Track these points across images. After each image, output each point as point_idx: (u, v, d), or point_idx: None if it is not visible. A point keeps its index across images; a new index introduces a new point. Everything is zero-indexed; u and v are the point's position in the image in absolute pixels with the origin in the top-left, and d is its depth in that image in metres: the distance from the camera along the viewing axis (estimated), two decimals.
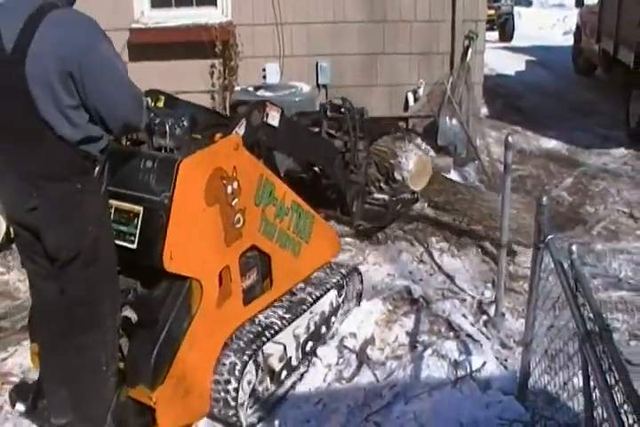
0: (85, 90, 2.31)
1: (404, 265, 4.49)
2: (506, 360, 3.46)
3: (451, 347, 3.44)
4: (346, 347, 3.51)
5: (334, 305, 3.68)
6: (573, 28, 12.04)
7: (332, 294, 3.64)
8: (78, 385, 2.63)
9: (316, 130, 4.14)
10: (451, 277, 4.33)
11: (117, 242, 2.65)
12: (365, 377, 3.31)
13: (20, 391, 2.98)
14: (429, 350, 3.42)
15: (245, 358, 2.92)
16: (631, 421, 1.95)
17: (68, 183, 2.41)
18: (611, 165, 6.76)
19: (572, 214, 5.40)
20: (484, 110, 7.99)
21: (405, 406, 3.03)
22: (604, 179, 6.31)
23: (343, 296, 3.79)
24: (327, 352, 3.47)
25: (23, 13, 2.26)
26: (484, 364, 3.29)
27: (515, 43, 14.80)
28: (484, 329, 3.74)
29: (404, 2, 7.14)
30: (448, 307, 3.90)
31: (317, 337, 3.55)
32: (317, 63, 6.47)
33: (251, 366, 3.00)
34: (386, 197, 4.54)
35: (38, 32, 2.24)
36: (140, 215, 2.65)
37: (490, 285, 4.22)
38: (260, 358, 3.11)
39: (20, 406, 2.90)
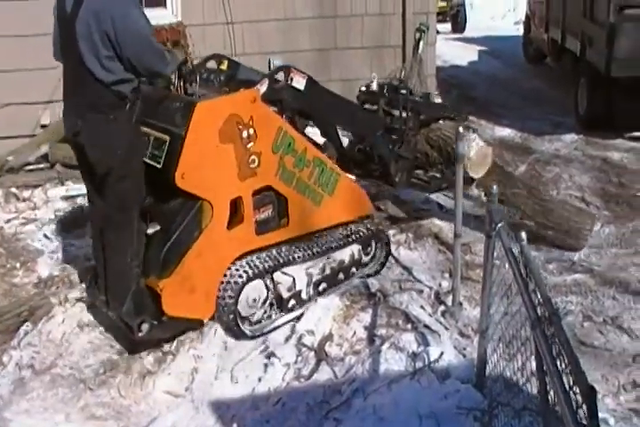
0: (119, 45, 3.06)
1: None
2: (464, 349, 3.49)
3: (409, 339, 3.46)
4: (304, 345, 3.50)
5: (356, 257, 4.08)
6: (523, 18, 12.19)
7: (355, 247, 4.06)
8: (111, 271, 3.42)
9: (374, 107, 4.53)
10: (408, 269, 4.34)
11: (150, 162, 3.34)
12: (324, 374, 3.30)
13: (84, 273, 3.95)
14: (387, 344, 3.43)
15: (249, 275, 3.50)
16: (581, 403, 2.00)
17: (103, 114, 3.16)
18: (562, 151, 6.88)
19: None
20: (438, 101, 8.04)
21: (365, 401, 3.03)
22: (556, 164, 6.41)
23: (370, 255, 4.21)
24: (285, 351, 3.46)
25: None
26: (442, 354, 3.31)
27: (467, 33, 14.93)
28: (442, 319, 3.76)
29: None
30: (405, 299, 3.91)
31: (333, 282, 3.97)
32: (270, 60, 6.45)
33: (256, 286, 3.57)
34: (437, 174, 4.76)
35: (84, 1, 3.06)
36: (167, 143, 3.31)
37: (447, 275, 4.25)
38: (270, 284, 3.66)
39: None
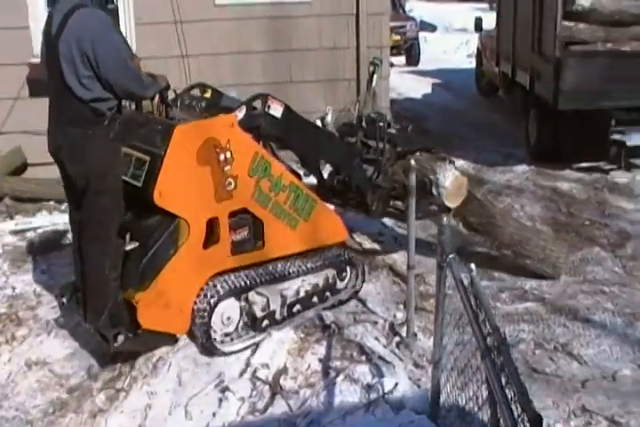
0: (97, 66, 3.28)
1: None
2: (419, 380, 3.51)
3: (363, 371, 3.47)
4: (258, 378, 3.49)
5: (330, 282, 4.20)
6: (475, 51, 12.53)
7: (330, 272, 4.20)
8: (89, 283, 3.55)
9: (354, 139, 4.68)
10: (362, 301, 4.37)
11: (132, 181, 3.54)
12: (279, 408, 3.29)
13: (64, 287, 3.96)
14: (342, 376, 3.44)
15: (223, 293, 3.66)
16: None
17: (82, 129, 3.38)
18: (514, 182, 7.05)
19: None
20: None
21: None
22: (508, 195, 6.56)
23: (345, 281, 4.30)
24: (240, 385, 3.44)
25: (64, 10, 3.34)
26: (397, 385, 3.33)
27: (421, 66, 15.22)
28: (396, 350, 3.77)
29: (309, 30, 7.31)
30: (360, 331, 3.93)
31: (307, 304, 4.09)
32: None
33: (230, 305, 3.75)
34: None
35: (68, 23, 3.29)
36: (147, 163, 3.50)
37: (401, 306, 4.27)
38: (245, 303, 3.80)
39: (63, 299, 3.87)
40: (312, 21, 7.31)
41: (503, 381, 2.31)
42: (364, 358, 3.67)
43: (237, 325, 3.82)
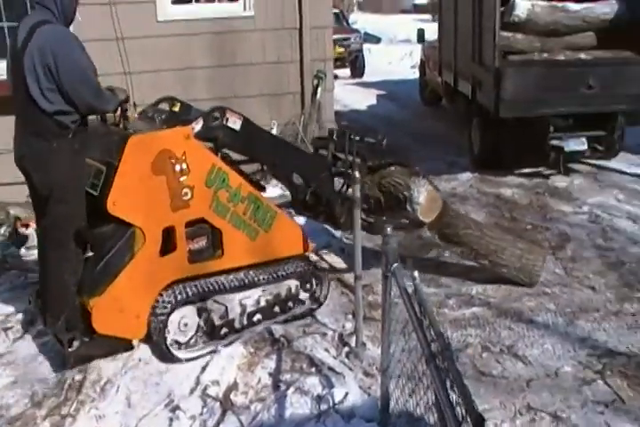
0: (59, 79, 3.41)
1: None
2: (369, 388, 3.55)
3: (313, 382, 3.50)
4: (209, 395, 3.48)
5: (293, 293, 4.22)
6: (419, 62, 12.76)
7: (293, 282, 4.22)
8: (49, 288, 3.72)
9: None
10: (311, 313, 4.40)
11: (91, 191, 3.65)
12: (230, 424, 3.28)
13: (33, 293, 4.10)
14: (292, 388, 3.46)
15: (180, 300, 3.73)
16: None
17: (45, 141, 3.51)
18: (459, 189, 7.20)
19: (426, 239, 5.66)
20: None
21: None
22: (453, 202, 6.65)
23: (309, 292, 4.32)
24: (190, 403, 3.42)
25: (29, 25, 3.49)
26: (347, 394, 3.37)
27: (366, 78, 15.45)
28: (346, 361, 3.81)
29: (252, 45, 7.36)
30: (309, 343, 3.96)
31: (268, 314, 4.13)
32: None
33: (188, 312, 3.82)
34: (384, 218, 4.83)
35: (32, 38, 3.42)
36: (104, 173, 3.62)
37: (350, 316, 4.31)
38: (203, 311, 3.86)
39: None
40: (255, 36, 7.37)
41: (448, 384, 2.38)
42: (313, 369, 3.70)
43: (196, 332, 3.88)
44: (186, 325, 3.83)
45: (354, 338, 3.97)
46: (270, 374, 3.67)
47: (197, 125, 3.87)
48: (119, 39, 6.65)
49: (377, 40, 19.76)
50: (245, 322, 4.04)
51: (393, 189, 4.63)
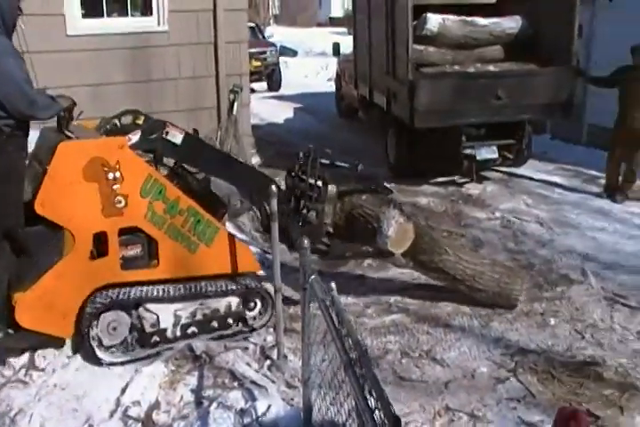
0: None
1: None
2: (292, 400, 3.60)
3: (236, 397, 3.52)
4: (130, 417, 3.44)
5: (233, 310, 4.23)
6: (335, 75, 12.95)
7: (234, 299, 4.23)
8: None
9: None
10: None
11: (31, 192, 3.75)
12: None
13: None
14: (215, 404, 3.46)
15: (109, 304, 3.82)
16: None
17: None
18: None
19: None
20: (256, 160, 8.29)
21: None
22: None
23: (254, 311, 4.30)
24: (110, 426, 3.37)
25: None
26: (270, 407, 3.40)
27: (283, 91, 15.54)
28: (268, 373, 3.85)
29: (168, 60, 7.31)
30: (231, 358, 3.97)
31: (205, 328, 4.16)
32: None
33: (117, 317, 3.89)
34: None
35: None
36: (39, 176, 3.72)
37: (272, 329, 4.33)
38: (135, 317, 3.94)
39: None
40: (170, 51, 7.33)
41: (367, 390, 2.45)
42: (236, 384, 3.71)
43: (126, 338, 3.95)
44: (115, 329, 3.90)
45: (275, 351, 4.01)
46: (192, 391, 3.66)
47: (135, 137, 3.96)
48: (25, 53, 6.48)
49: (293, 53, 19.88)
50: (179, 333, 4.07)
51: (363, 220, 4.60)
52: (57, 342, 3.91)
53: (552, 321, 4.67)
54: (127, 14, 7.30)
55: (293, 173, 4.59)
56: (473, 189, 7.78)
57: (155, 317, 4.00)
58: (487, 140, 8.03)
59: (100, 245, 3.84)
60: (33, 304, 3.71)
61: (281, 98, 14.68)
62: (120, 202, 3.82)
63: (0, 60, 3.56)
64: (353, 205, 4.71)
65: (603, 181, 7.78)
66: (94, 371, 3.86)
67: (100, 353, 3.87)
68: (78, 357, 3.97)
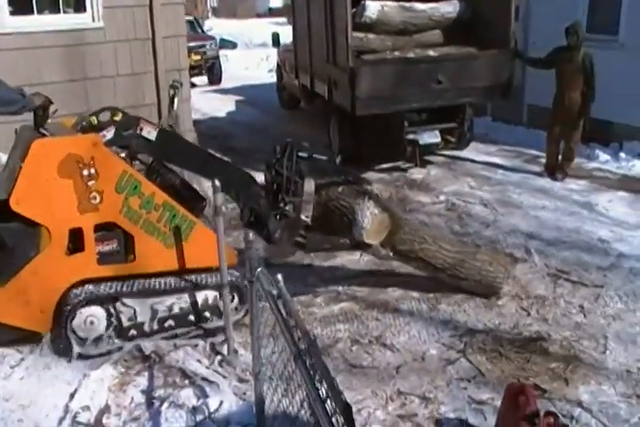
0: None
1: None
2: (244, 394, 3.60)
3: (187, 394, 3.51)
4: (79, 423, 3.39)
5: (210, 303, 4.24)
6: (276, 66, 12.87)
7: (211, 293, 4.23)
8: None
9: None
10: None
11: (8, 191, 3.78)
12: None
13: None
14: (166, 403, 3.45)
15: (85, 298, 3.87)
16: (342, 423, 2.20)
17: None
18: None
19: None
20: None
21: None
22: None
23: (233, 303, 4.27)
24: None
25: None
26: (222, 403, 3.40)
27: (224, 85, 15.36)
28: (219, 369, 3.84)
29: (104, 57, 7.17)
30: (181, 356, 3.95)
31: (182, 322, 4.18)
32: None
33: (94, 311, 3.95)
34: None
35: None
36: (16, 173, 3.75)
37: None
38: (112, 311, 3.99)
39: None
40: (107, 48, 7.20)
41: (317, 379, 2.46)
42: (187, 382, 3.70)
43: (103, 331, 4.00)
44: (92, 323, 3.95)
45: (226, 346, 4.00)
46: (143, 392, 3.63)
47: (109, 133, 4.00)
48: None
49: (233, 46, 19.68)
50: (156, 327, 4.10)
51: (339, 213, 4.59)
52: (34, 337, 3.98)
53: (499, 301, 4.76)
54: (59, 11, 7.12)
55: (271, 167, 4.59)
56: (417, 173, 7.86)
57: (132, 311, 4.04)
58: (429, 125, 8.10)
59: (76, 240, 3.88)
60: (10, 299, 3.78)
61: (222, 91, 14.55)
62: (95, 198, 3.87)
63: None
64: (329, 198, 4.71)
65: (543, 161, 7.96)
66: (40, 379, 3.79)
67: (76, 346, 3.93)
68: (23, 365, 3.91)
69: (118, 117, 4.16)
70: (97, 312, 3.97)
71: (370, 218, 4.47)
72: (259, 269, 3.15)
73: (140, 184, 3.99)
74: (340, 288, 4.95)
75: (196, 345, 4.10)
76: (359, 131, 8.02)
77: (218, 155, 4.60)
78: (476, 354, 4.09)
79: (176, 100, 7.47)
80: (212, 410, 3.35)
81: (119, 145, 4.09)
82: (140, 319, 4.07)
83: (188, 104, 7.80)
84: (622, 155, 8.24)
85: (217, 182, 4.41)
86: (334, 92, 8.18)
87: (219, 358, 3.95)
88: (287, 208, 4.52)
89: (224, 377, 3.74)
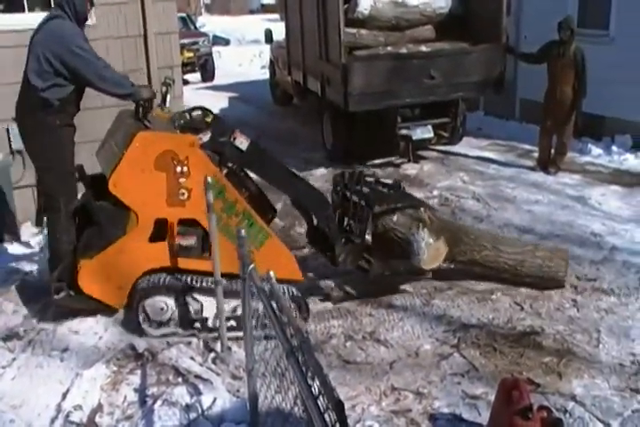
0: (61, 63, 4.12)
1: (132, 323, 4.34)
2: (238, 391, 3.60)
3: (181, 392, 3.49)
4: (72, 422, 3.36)
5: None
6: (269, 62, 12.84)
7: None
8: (51, 245, 4.47)
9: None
10: None
11: (105, 173, 4.20)
12: None
13: None
14: (160, 402, 3.43)
15: (159, 286, 4.10)
16: (334, 419, 2.20)
17: (33, 115, 4.24)
18: (315, 185, 7.30)
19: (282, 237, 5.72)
20: None
21: None
22: None
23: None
24: None
25: (46, 18, 4.32)
26: (215, 400, 3.39)
27: (217, 81, 15.32)
28: (213, 366, 3.83)
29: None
30: (174, 354, 3.93)
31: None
32: (8, 129, 6.17)
33: (165, 299, 4.13)
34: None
35: (42, 28, 4.22)
36: (117, 157, 4.07)
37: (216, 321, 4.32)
38: (181, 302, 4.15)
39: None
40: (98, 45, 7.05)
41: (310, 375, 2.46)
42: (180, 379, 3.69)
43: (170, 317, 4.17)
44: (162, 309, 4.14)
45: (219, 343, 3.99)
46: (136, 391, 3.62)
47: (205, 137, 4.21)
48: None
49: (226, 42, 19.67)
50: (219, 324, 4.11)
51: (395, 244, 4.65)
52: (109, 310, 4.27)
53: (492, 295, 4.77)
54: (50, 9, 7.07)
55: (339, 190, 4.74)
56: (410, 169, 7.86)
57: (199, 305, 4.17)
58: (422, 120, 8.11)
59: (160, 230, 4.10)
60: (94, 272, 4.09)
61: (215, 88, 14.51)
62: (183, 194, 4.09)
63: (75, 42, 4.11)
64: (385, 229, 4.73)
65: (536, 155, 7.97)
66: (32, 379, 3.77)
67: (146, 327, 4.15)
68: (14, 365, 3.89)
69: (209, 118, 4.37)
70: (167, 300, 4.14)
71: (425, 249, 4.54)
72: (251, 266, 3.15)
73: (225, 190, 4.16)
74: (334, 284, 4.94)
75: (190, 343, 4.09)
76: (352, 127, 8.02)
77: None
78: (470, 349, 4.09)
79: (168, 97, 7.41)
80: (205, 408, 3.34)
81: (212, 149, 4.26)
82: (205, 314, 4.18)
83: (181, 101, 7.73)
84: (614, 149, 8.26)
85: (297, 200, 4.75)
86: (327, 88, 8.18)
87: (212, 355, 3.94)
88: (352, 234, 4.65)
89: (217, 374, 3.73)
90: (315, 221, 4.75)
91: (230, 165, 4.50)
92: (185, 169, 4.05)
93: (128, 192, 4.05)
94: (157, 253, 4.13)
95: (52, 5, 4.40)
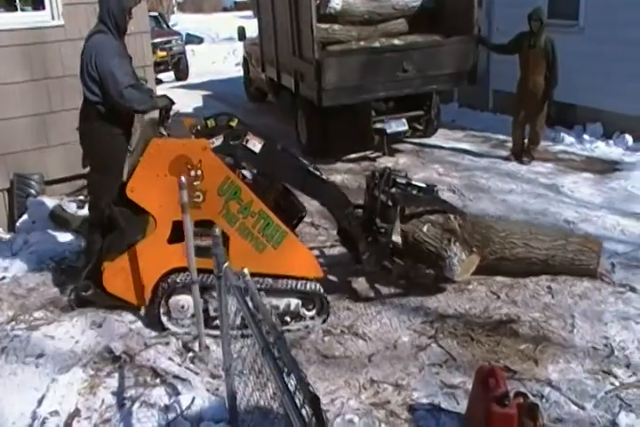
0: (97, 76, 4.33)
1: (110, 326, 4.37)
2: (217, 390, 3.60)
3: (159, 393, 3.48)
4: None
5: (292, 309, 4.35)
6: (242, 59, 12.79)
7: (293, 300, 4.36)
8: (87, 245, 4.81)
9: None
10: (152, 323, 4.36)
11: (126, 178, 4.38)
12: None
13: None
14: (138, 403, 3.41)
15: (181, 285, 4.23)
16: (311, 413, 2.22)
17: (88, 122, 4.51)
18: None
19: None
20: None
21: None
22: None
23: (312, 312, 4.39)
24: None
25: (89, 34, 4.52)
26: (194, 399, 3.38)
27: (191, 80, 15.25)
28: (191, 366, 3.83)
29: (66, 56, 6.99)
30: (152, 355, 3.91)
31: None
32: None
33: (185, 297, 4.24)
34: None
35: (87, 43, 4.45)
36: (134, 164, 4.32)
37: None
38: (200, 300, 4.14)
39: None
40: (68, 46, 7.05)
41: (285, 371, 2.48)
42: (158, 380, 3.67)
43: (190, 316, 4.27)
44: (183, 307, 4.28)
45: (197, 342, 3.99)
46: (114, 394, 3.60)
47: (217, 141, 4.30)
48: None
49: (199, 40, 19.55)
50: (237, 322, 4.07)
51: (426, 256, 4.66)
52: (132, 307, 4.46)
53: (469, 286, 4.81)
54: (16, 9, 7.00)
55: (371, 189, 4.72)
56: (386, 162, 7.88)
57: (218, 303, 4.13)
58: (396, 114, 8.14)
59: (178, 232, 4.13)
60: (115, 274, 4.31)
61: (189, 87, 14.44)
62: (199, 197, 4.20)
63: (108, 58, 4.27)
64: (415, 241, 4.71)
65: (510, 145, 8.03)
66: (5, 386, 3.71)
67: (166, 322, 4.28)
68: None
69: (234, 123, 4.44)
70: (188, 299, 4.21)
71: (458, 265, 4.54)
72: (226, 264, 3.16)
73: (240, 191, 4.24)
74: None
75: (168, 343, 4.07)
76: (327, 122, 8.03)
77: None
78: (448, 339, 4.13)
79: None
80: (184, 407, 3.34)
81: (226, 153, 4.34)
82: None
83: None
84: (586, 137, 8.35)
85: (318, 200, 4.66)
86: (301, 84, 8.19)
87: (190, 354, 3.94)
88: (379, 234, 4.62)
89: (196, 374, 3.73)
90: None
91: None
92: (199, 172, 4.17)
93: (144, 197, 4.22)
94: (176, 254, 4.21)
95: (97, 21, 4.55)
